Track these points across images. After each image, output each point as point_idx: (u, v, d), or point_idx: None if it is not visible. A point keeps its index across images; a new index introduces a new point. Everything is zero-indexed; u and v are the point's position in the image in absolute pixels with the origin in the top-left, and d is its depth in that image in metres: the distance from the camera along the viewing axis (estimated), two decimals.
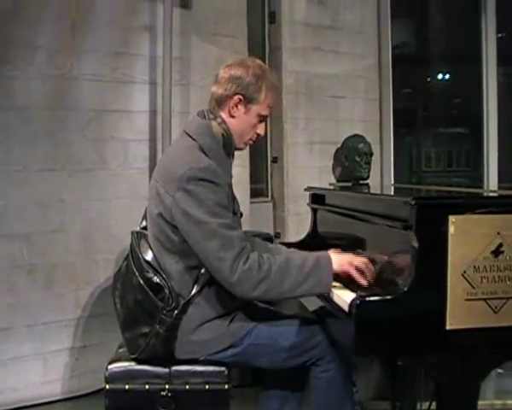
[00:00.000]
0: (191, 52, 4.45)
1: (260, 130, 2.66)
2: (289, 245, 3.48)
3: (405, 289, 2.12)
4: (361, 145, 4.88)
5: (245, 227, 4.62)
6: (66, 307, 3.96)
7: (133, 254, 2.60)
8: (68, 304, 3.97)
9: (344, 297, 2.29)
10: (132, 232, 2.70)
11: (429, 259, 2.15)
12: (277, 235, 5.14)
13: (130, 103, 4.20)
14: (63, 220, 3.94)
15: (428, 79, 7.00)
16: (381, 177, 5.59)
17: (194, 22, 4.46)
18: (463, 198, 2.45)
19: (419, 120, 6.84)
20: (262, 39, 5.18)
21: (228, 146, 2.60)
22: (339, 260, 2.47)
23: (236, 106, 2.58)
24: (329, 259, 2.46)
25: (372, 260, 2.63)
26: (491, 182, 5.79)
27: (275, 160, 5.20)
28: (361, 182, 4.71)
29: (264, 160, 5.25)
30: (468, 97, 6.66)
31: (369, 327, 2.12)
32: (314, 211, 3.58)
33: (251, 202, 4.92)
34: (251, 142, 2.70)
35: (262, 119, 2.64)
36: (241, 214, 2.84)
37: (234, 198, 2.70)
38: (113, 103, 4.11)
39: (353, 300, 2.16)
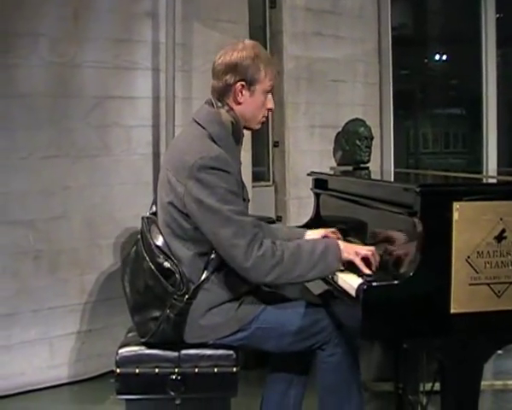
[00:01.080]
0: (193, 38, 4.47)
1: (270, 104, 2.67)
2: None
3: (411, 274, 2.16)
4: (361, 129, 4.89)
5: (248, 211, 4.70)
6: (71, 292, 4.01)
7: (143, 240, 2.63)
8: (73, 289, 4.02)
9: (350, 282, 2.33)
10: (143, 218, 2.72)
11: (434, 244, 2.19)
12: (279, 219, 5.17)
13: (133, 90, 4.22)
14: (67, 207, 3.98)
15: (426, 61, 7.00)
16: (381, 161, 5.63)
17: (196, 8, 4.48)
18: (467, 185, 2.48)
19: (416, 101, 6.86)
20: (263, 24, 5.20)
21: (237, 133, 2.62)
22: (346, 248, 2.52)
23: (241, 92, 2.59)
24: (338, 245, 2.51)
25: (376, 246, 2.68)
26: (491, 165, 5.82)
27: (276, 144, 5.23)
28: (361, 166, 4.74)
29: (266, 144, 5.28)
30: (466, 79, 6.68)
31: (376, 312, 2.16)
32: (317, 196, 3.61)
33: (252, 187, 4.95)
34: (264, 119, 2.71)
35: (269, 92, 2.65)
36: (249, 200, 2.87)
37: (243, 185, 2.74)
38: (116, 90, 4.14)
39: (360, 284, 2.20)
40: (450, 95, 6.98)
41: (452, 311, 2.21)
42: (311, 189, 3.66)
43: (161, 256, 2.54)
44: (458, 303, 2.22)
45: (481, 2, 5.92)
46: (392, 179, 3.45)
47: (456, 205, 2.19)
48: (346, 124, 4.90)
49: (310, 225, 3.53)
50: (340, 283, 2.44)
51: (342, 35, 5.35)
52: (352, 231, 3.04)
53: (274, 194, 5.25)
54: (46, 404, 3.81)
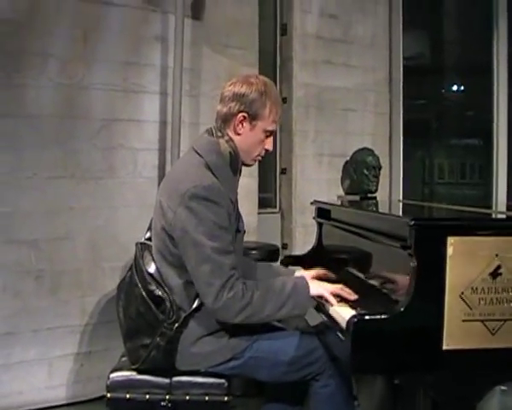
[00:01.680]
0: (202, 63, 4.48)
1: (268, 145, 2.68)
2: (295, 258, 3.53)
3: (402, 308, 2.14)
4: (369, 158, 4.89)
5: (252, 238, 4.69)
6: (71, 314, 3.99)
7: (136, 266, 2.65)
8: (74, 310, 4.00)
9: (342, 314, 2.33)
10: (136, 244, 2.74)
11: (427, 279, 2.18)
12: (284, 246, 5.16)
13: (140, 113, 4.23)
14: (71, 227, 3.98)
15: (443, 91, 6.99)
16: (390, 190, 5.60)
17: (206, 33, 4.50)
18: (462, 220, 2.46)
19: (432, 131, 6.84)
20: (273, 51, 5.22)
21: (234, 164, 2.63)
22: (315, 285, 2.59)
23: (241, 123, 2.60)
24: (306, 283, 2.57)
25: (373, 278, 2.67)
26: (500, 197, 5.78)
27: (283, 171, 5.23)
28: (369, 195, 4.72)
29: (273, 171, 5.28)
30: (483, 109, 6.65)
31: (366, 345, 2.15)
32: (319, 225, 3.60)
33: (259, 213, 4.95)
34: (259, 158, 2.71)
35: (269, 134, 2.66)
36: (244, 231, 2.87)
37: (239, 216, 2.73)
38: (124, 112, 4.15)
39: (351, 317, 2.18)
40: (466, 125, 6.96)
41: (445, 347, 2.19)
42: (314, 218, 3.65)
43: (153, 283, 2.55)
44: (451, 339, 2.20)
45: (493, 32, 5.91)
46: (392, 211, 3.42)
47: (450, 240, 2.18)
48: (355, 153, 4.89)
49: (311, 254, 3.53)
50: (333, 314, 2.43)
51: (353, 64, 5.37)
52: (351, 262, 3.03)
53: (280, 221, 5.24)
54: None
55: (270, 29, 5.21)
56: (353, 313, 2.28)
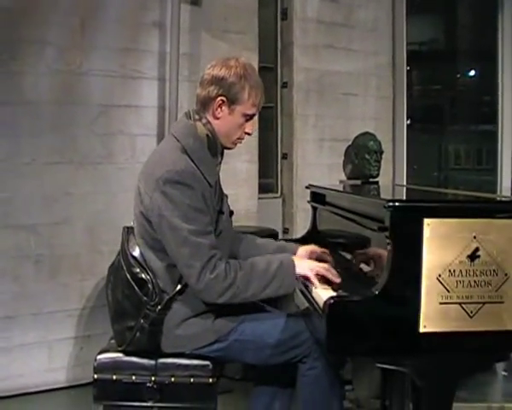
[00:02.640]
0: (201, 49, 4.49)
1: (248, 129, 2.66)
2: (289, 242, 3.53)
3: (377, 291, 2.15)
4: (371, 143, 4.88)
5: (253, 223, 4.72)
6: (71, 297, 4.05)
7: (122, 250, 2.68)
8: (73, 294, 4.06)
9: (322, 296, 2.33)
10: (123, 228, 2.77)
11: (403, 261, 2.17)
12: (286, 231, 5.18)
13: (138, 99, 4.26)
14: (70, 213, 4.03)
15: (458, 76, 6.95)
16: (394, 175, 5.59)
17: (204, 19, 4.51)
18: (439, 201, 2.46)
19: (448, 116, 6.80)
20: (274, 36, 5.22)
21: (213, 147, 2.62)
22: (301, 264, 2.57)
23: (220, 107, 2.59)
24: (292, 262, 2.56)
25: (357, 261, 2.68)
26: (505, 183, 5.75)
27: (285, 156, 5.24)
28: (371, 180, 4.72)
29: (274, 156, 5.30)
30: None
31: (341, 327, 2.15)
32: (314, 209, 3.61)
33: (260, 198, 4.97)
34: (239, 141, 2.70)
35: (249, 118, 2.64)
36: (232, 213, 2.88)
37: (221, 197, 2.74)
38: (122, 99, 4.19)
39: (327, 299, 2.19)
40: (483, 110, 6.90)
41: (422, 330, 2.18)
42: (309, 202, 3.66)
43: (137, 266, 2.58)
44: (428, 322, 2.19)
45: (498, 17, 5.87)
46: (386, 196, 3.41)
47: (427, 221, 2.17)
48: (356, 138, 4.89)
49: (306, 238, 3.53)
50: (315, 296, 2.44)
51: (355, 48, 5.35)
52: (342, 245, 3.04)
53: (281, 206, 5.25)
54: (43, 407, 3.85)
55: (270, 14, 5.21)
56: (332, 294, 2.29)
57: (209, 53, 4.49)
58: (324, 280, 2.55)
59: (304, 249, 2.89)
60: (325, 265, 2.62)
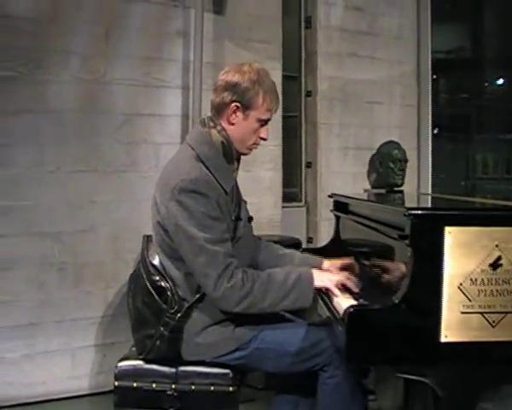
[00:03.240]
0: (224, 57, 4.49)
1: (263, 134, 2.66)
2: (313, 251, 3.52)
3: (397, 300, 2.13)
4: (395, 151, 4.87)
5: (276, 232, 4.71)
6: (94, 305, 4.07)
7: (142, 258, 2.69)
8: (97, 302, 4.08)
9: (343, 304, 2.32)
10: (143, 236, 2.78)
11: (424, 270, 2.16)
12: (310, 240, 5.16)
13: (162, 107, 4.28)
14: (93, 221, 4.05)
15: (486, 84, 6.89)
16: (418, 184, 5.55)
17: (228, 28, 4.52)
18: (460, 209, 2.43)
19: (475, 125, 6.74)
20: (298, 44, 5.21)
21: (228, 153, 2.62)
22: (320, 276, 2.57)
23: (235, 113, 2.59)
24: (311, 275, 2.56)
25: (378, 269, 2.66)
26: None
27: (309, 165, 5.22)
28: (395, 189, 4.70)
29: (299, 165, 5.28)
30: None
31: (361, 335, 2.15)
32: (337, 218, 3.59)
33: (284, 207, 4.96)
34: (255, 146, 2.70)
35: (264, 123, 2.64)
36: (251, 219, 2.88)
37: (239, 203, 2.74)
38: (146, 107, 4.20)
39: (347, 308, 2.19)
40: (511, 119, 6.83)
41: (443, 339, 2.17)
42: (332, 210, 3.64)
43: (156, 274, 2.60)
44: (449, 332, 2.18)
45: None
46: (411, 204, 3.38)
47: (448, 229, 2.16)
48: (380, 146, 4.88)
49: (329, 247, 3.52)
50: (336, 305, 2.43)
51: (379, 56, 5.33)
52: (365, 254, 3.02)
53: (306, 215, 5.24)
54: None
55: (294, 22, 5.20)
56: (352, 303, 2.28)
57: (232, 62, 4.46)
58: (345, 290, 2.55)
59: (330, 264, 2.89)
60: (345, 273, 2.61)
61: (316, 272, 2.59)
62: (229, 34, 4.52)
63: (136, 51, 4.13)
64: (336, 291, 2.53)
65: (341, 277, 2.61)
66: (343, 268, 2.85)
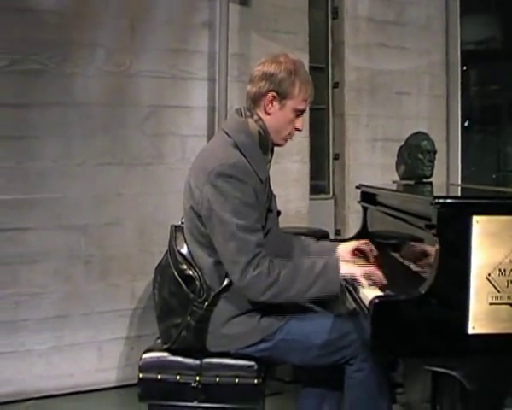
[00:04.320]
0: (251, 49, 4.48)
1: (298, 124, 2.65)
2: (340, 243, 3.48)
3: (423, 291, 2.09)
4: (424, 143, 4.78)
5: (304, 224, 4.68)
6: (121, 298, 4.08)
7: (170, 248, 2.69)
8: (123, 295, 4.09)
9: (368, 295, 2.29)
10: (171, 226, 2.77)
11: (451, 260, 2.12)
12: (338, 232, 5.13)
13: (188, 99, 4.27)
14: (120, 213, 4.06)
15: None
16: (448, 175, 5.48)
17: (254, 19, 4.50)
18: (488, 198, 2.38)
19: (507, 117, 6.64)
20: (325, 35, 5.17)
21: (264, 143, 2.62)
22: (347, 263, 2.55)
23: (271, 103, 2.59)
24: (338, 262, 2.52)
25: (409, 261, 2.62)
26: None
27: (336, 157, 5.18)
28: (424, 180, 4.63)
29: (326, 156, 5.25)
30: None
31: (386, 327, 2.11)
32: (364, 209, 3.56)
33: (312, 199, 4.94)
34: (290, 137, 2.69)
35: (299, 113, 2.64)
36: (279, 213, 2.86)
37: (270, 195, 2.72)
38: (172, 99, 4.20)
39: (373, 298, 2.15)
40: None
41: (471, 331, 2.13)
42: (359, 202, 3.60)
43: (184, 263, 2.59)
44: (477, 323, 2.14)
45: None
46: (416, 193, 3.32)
47: (475, 219, 2.11)
48: (409, 137, 4.80)
49: (356, 239, 3.47)
50: (361, 296, 2.40)
51: (407, 46, 5.27)
52: (392, 245, 2.98)
53: (333, 207, 5.20)
54: (94, 406, 3.88)
55: (321, 13, 5.17)
56: (378, 294, 2.24)
57: (259, 53, 4.44)
58: (372, 282, 2.51)
59: (346, 245, 2.86)
60: (371, 266, 2.58)
61: (342, 261, 2.56)
62: (255, 25, 4.50)
63: (161, 43, 4.13)
64: (363, 280, 2.48)
65: (369, 268, 2.56)
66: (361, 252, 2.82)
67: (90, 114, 3.94)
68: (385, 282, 2.48)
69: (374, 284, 2.48)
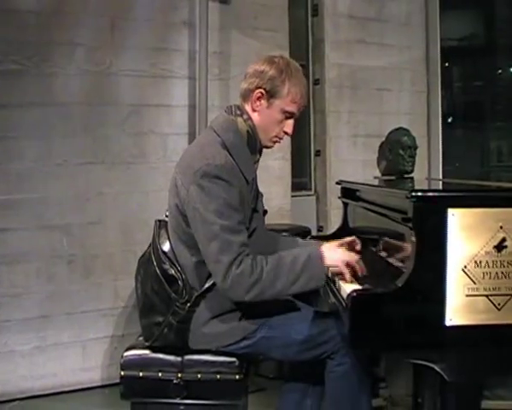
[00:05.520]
0: (231, 47, 4.49)
1: (287, 128, 2.62)
2: (321, 239, 3.49)
3: (400, 284, 2.11)
4: (405, 138, 4.85)
5: (286, 220, 4.70)
6: (104, 297, 4.09)
7: (153, 243, 2.68)
8: (107, 294, 4.10)
9: (347, 289, 2.30)
10: (155, 221, 2.76)
11: (427, 253, 2.13)
12: (320, 228, 5.14)
13: (169, 98, 4.28)
14: (102, 213, 4.06)
15: (499, 71, 6.83)
16: (429, 170, 5.51)
17: (234, 17, 4.51)
18: (463, 191, 2.40)
19: (489, 113, 6.68)
20: (305, 32, 5.19)
21: (252, 143, 2.60)
22: (331, 255, 2.49)
23: (259, 100, 2.57)
24: (321, 253, 2.48)
25: (383, 254, 2.64)
26: None
27: (318, 153, 5.20)
28: (405, 176, 4.67)
29: (308, 153, 5.27)
30: None
31: (364, 320, 2.12)
32: (345, 205, 3.57)
33: (293, 196, 4.95)
34: (278, 140, 2.67)
35: (288, 115, 2.60)
36: (265, 212, 2.86)
37: (257, 195, 2.72)
38: (152, 98, 4.21)
39: (350, 292, 2.17)
40: None
41: (448, 323, 2.14)
42: (339, 197, 3.61)
43: (167, 262, 2.58)
44: (455, 315, 2.15)
45: None
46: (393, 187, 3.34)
47: (451, 211, 2.13)
48: (390, 133, 4.85)
49: (337, 234, 3.50)
50: (340, 291, 2.41)
51: (388, 43, 5.30)
52: (372, 241, 2.99)
53: (316, 203, 5.22)
54: (77, 406, 3.88)
55: (301, 10, 5.19)
56: (356, 288, 2.26)
57: (239, 51, 4.49)
58: (354, 273, 2.50)
59: (331, 243, 2.86)
60: (355, 256, 2.54)
61: (326, 250, 2.50)
62: (234, 23, 4.51)
63: (141, 42, 4.14)
64: (347, 273, 2.45)
65: (352, 258, 2.51)
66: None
67: (70, 114, 3.94)
68: (363, 274, 2.48)
69: (356, 275, 2.48)
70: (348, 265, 2.48)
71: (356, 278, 2.47)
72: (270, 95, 2.56)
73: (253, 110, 2.60)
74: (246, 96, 2.61)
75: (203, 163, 2.44)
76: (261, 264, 2.43)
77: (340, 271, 2.48)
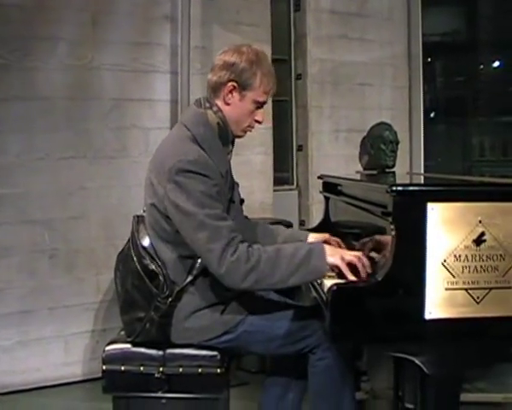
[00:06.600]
0: (213, 41, 4.49)
1: (259, 117, 2.62)
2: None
3: (380, 278, 2.13)
4: (386, 133, 4.83)
5: (268, 215, 4.71)
6: (86, 291, 4.09)
7: (132, 239, 2.66)
8: (89, 288, 4.10)
9: (327, 284, 2.31)
10: (134, 216, 2.75)
11: (407, 247, 2.14)
12: (302, 223, 5.17)
13: (151, 92, 4.29)
14: (84, 207, 4.07)
15: (481, 67, 6.87)
16: (411, 165, 5.54)
17: (216, 11, 4.51)
18: (443, 185, 2.43)
19: (471, 108, 6.72)
20: (287, 27, 5.20)
21: (224, 135, 2.60)
22: (332, 252, 2.44)
23: (231, 93, 2.56)
24: (323, 249, 2.43)
25: (365, 249, 2.65)
26: None
27: (300, 148, 5.22)
28: (387, 170, 4.68)
29: (290, 148, 5.29)
30: None
31: (344, 314, 2.14)
32: (326, 199, 3.59)
33: (276, 190, 4.97)
34: (249, 129, 2.67)
35: (259, 105, 2.60)
36: (242, 201, 2.86)
37: (233, 186, 2.72)
38: (134, 92, 4.22)
39: (331, 286, 2.18)
40: (507, 102, 6.78)
41: (428, 316, 2.16)
42: (321, 192, 3.63)
43: (147, 258, 2.55)
44: (434, 308, 2.17)
45: None
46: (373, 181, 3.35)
47: (430, 206, 2.15)
48: (371, 128, 4.83)
49: (319, 229, 3.51)
50: (322, 285, 2.43)
51: (369, 38, 5.32)
52: (354, 235, 3.01)
53: (297, 198, 5.24)
54: (60, 400, 3.88)
55: (283, 5, 5.20)
56: (337, 282, 2.27)
57: (221, 46, 4.36)
58: (354, 271, 2.42)
59: (315, 237, 2.87)
60: (357, 253, 2.48)
61: (328, 248, 2.46)
62: (217, 18, 4.51)
63: (123, 37, 4.14)
64: (348, 272, 2.38)
65: (353, 257, 2.45)
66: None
67: (52, 108, 3.94)
68: (366, 273, 2.39)
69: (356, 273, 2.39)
70: (350, 264, 2.44)
71: (358, 277, 2.38)
72: (243, 87, 2.55)
73: (226, 103, 2.58)
74: (216, 88, 2.59)
75: (175, 160, 2.43)
76: (258, 252, 2.40)
77: (340, 268, 2.42)
